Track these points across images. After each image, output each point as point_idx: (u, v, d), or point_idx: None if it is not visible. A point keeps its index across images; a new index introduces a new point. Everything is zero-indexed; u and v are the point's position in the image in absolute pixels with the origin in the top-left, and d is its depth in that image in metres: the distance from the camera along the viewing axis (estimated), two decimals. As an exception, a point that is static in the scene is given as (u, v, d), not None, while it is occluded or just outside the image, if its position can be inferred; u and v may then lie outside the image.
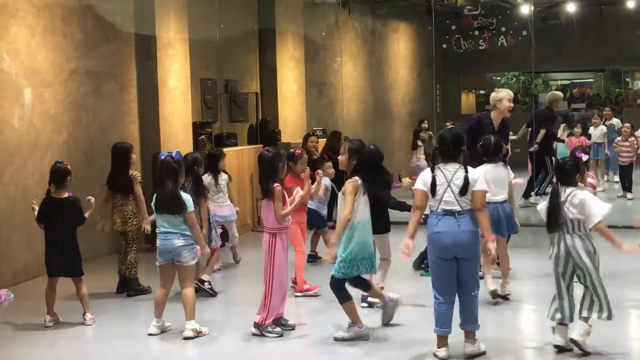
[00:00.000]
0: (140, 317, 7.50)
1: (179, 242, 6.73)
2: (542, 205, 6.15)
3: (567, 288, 5.98)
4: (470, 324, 5.98)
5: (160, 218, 6.80)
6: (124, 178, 8.24)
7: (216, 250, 8.53)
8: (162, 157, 6.90)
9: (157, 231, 6.85)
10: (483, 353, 5.99)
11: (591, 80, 24.90)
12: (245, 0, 14.24)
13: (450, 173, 5.89)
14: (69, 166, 7.29)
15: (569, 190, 5.95)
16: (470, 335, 5.99)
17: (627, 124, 14.71)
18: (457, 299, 5.98)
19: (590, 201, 5.89)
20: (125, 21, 11.22)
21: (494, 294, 7.41)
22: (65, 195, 7.19)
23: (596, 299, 5.90)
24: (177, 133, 11.66)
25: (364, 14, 18.66)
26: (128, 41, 11.27)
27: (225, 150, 11.74)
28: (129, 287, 8.38)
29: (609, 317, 5.92)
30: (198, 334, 6.72)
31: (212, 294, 8.15)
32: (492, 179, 7.36)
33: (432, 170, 5.95)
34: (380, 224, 7.12)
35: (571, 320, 5.98)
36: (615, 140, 14.67)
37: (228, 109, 13.51)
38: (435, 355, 5.97)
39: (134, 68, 11.38)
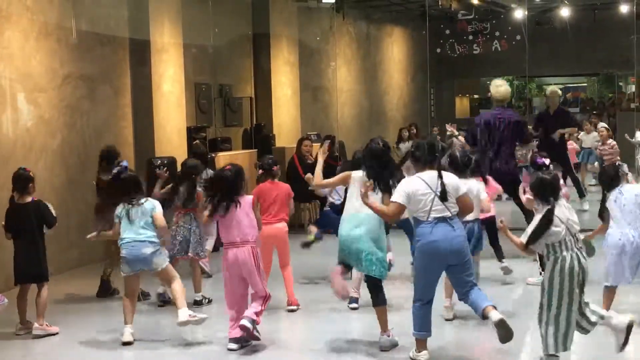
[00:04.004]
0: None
1: (147, 249, 6.68)
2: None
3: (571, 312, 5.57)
4: (487, 301, 5.72)
5: (126, 227, 6.75)
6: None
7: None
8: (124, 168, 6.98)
9: (119, 243, 6.78)
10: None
11: (585, 84, 24.99)
12: (240, 5, 14.24)
13: (434, 180, 5.82)
14: (31, 172, 7.19)
15: (563, 203, 5.65)
16: (491, 309, 5.68)
17: (603, 127, 14.80)
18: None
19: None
20: (120, 26, 11.20)
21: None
22: (29, 200, 7.08)
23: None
24: (172, 138, 11.64)
25: (358, 19, 18.68)
26: (122, 45, 11.26)
27: (219, 154, 11.77)
28: (110, 290, 8.47)
29: None
30: (193, 318, 6.64)
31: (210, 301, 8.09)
32: None
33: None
34: None
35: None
36: (595, 145, 14.88)
37: (222, 113, 13.50)
38: None
39: (128, 72, 11.36)
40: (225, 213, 6.46)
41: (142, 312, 7.70)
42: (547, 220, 5.51)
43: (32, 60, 9.49)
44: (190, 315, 6.64)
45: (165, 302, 7.91)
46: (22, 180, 7.11)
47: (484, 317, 5.75)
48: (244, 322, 6.38)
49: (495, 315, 5.65)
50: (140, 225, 6.71)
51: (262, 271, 6.60)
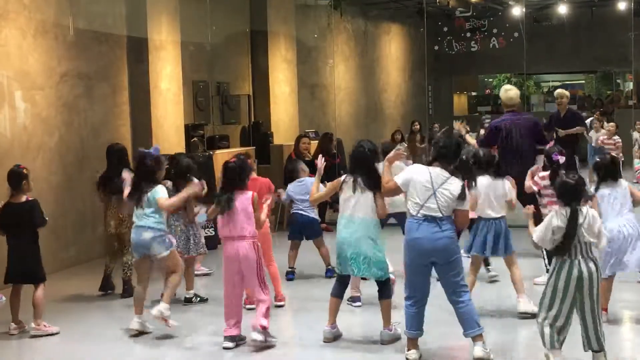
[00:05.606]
0: (126, 318, 7.50)
1: (147, 234, 6.81)
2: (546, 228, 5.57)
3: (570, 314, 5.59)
4: (472, 328, 5.82)
5: (136, 212, 6.93)
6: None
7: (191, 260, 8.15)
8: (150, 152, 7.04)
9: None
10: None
11: (582, 81, 25.01)
12: (237, 3, 14.24)
13: (440, 179, 5.80)
14: (25, 170, 7.10)
15: (584, 209, 5.55)
16: (478, 339, 5.82)
17: (612, 123, 14.81)
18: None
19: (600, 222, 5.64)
20: (117, 23, 11.19)
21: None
22: (24, 199, 7.01)
23: (598, 329, 5.56)
24: (169, 135, 11.63)
25: (356, 16, 18.68)
26: (120, 43, 11.25)
27: (217, 152, 11.77)
28: (111, 286, 8.44)
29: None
30: (163, 319, 6.73)
31: (203, 300, 8.06)
32: (492, 194, 7.14)
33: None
34: None
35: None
36: (601, 139, 14.80)
37: (220, 111, 13.50)
38: (407, 359, 5.93)
39: (126, 70, 11.35)
40: (229, 207, 6.40)
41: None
42: (573, 224, 5.44)
43: (29, 58, 9.48)
44: (165, 315, 6.73)
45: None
46: (14, 177, 7.04)
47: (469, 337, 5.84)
48: (255, 335, 6.37)
49: (478, 352, 5.76)
50: (147, 212, 6.83)
51: (263, 268, 6.51)
